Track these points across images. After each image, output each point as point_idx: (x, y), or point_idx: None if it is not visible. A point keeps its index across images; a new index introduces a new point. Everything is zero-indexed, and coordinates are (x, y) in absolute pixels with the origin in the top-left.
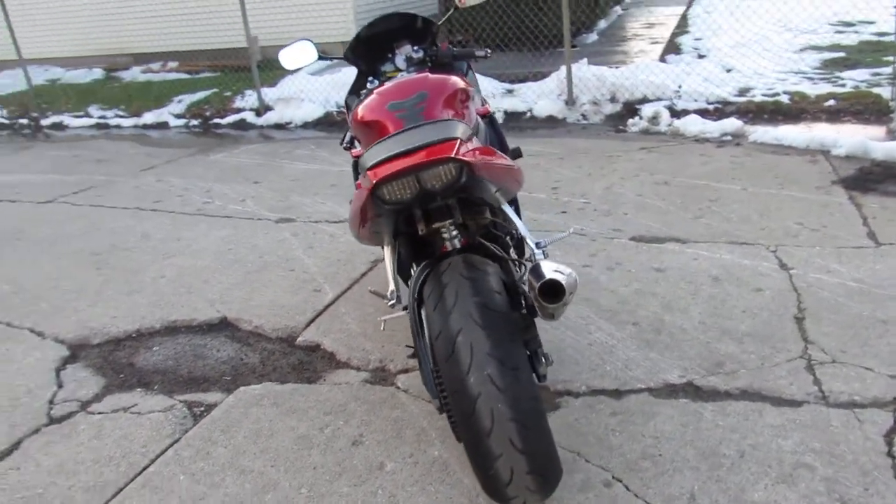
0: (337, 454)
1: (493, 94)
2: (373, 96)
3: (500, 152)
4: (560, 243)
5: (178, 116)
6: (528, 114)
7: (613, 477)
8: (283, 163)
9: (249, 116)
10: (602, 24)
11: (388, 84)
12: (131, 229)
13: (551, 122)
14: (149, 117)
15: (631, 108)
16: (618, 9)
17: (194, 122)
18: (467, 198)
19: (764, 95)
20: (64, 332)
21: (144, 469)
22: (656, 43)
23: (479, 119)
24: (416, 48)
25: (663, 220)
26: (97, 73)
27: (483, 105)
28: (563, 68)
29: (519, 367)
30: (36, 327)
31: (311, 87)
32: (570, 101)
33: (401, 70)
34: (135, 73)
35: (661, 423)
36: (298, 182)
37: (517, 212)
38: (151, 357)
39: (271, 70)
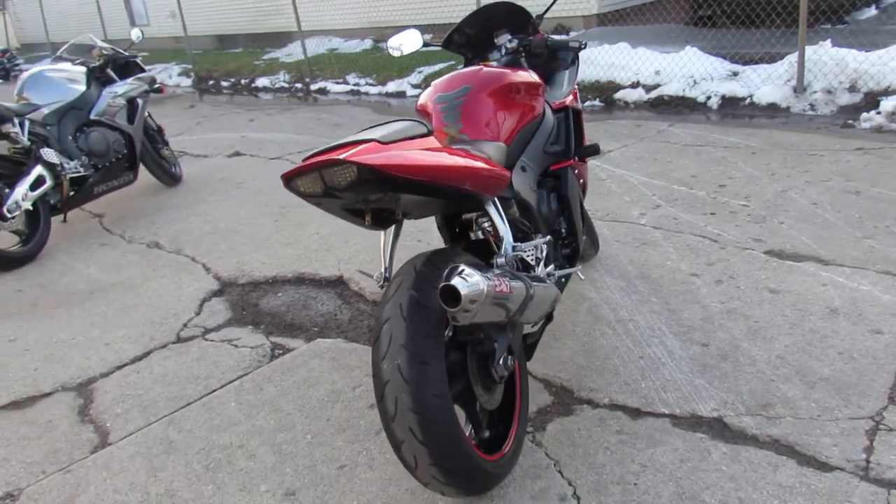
0: (352, 412)
1: (712, 78)
2: (430, 88)
3: (472, 153)
4: (683, 246)
5: (415, 86)
6: (748, 100)
7: (574, 494)
8: None
9: None
10: None
11: (445, 76)
12: None
13: (772, 111)
14: (391, 86)
15: (872, 100)
16: None
17: None
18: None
19: None
20: (223, 270)
21: (212, 392)
22: None
23: (550, 112)
24: (510, 38)
25: (820, 235)
26: (367, 43)
27: (565, 97)
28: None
29: (429, 362)
30: (207, 263)
31: None
32: (800, 89)
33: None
34: None
35: (660, 453)
36: None
37: (576, 213)
38: (273, 301)
39: None
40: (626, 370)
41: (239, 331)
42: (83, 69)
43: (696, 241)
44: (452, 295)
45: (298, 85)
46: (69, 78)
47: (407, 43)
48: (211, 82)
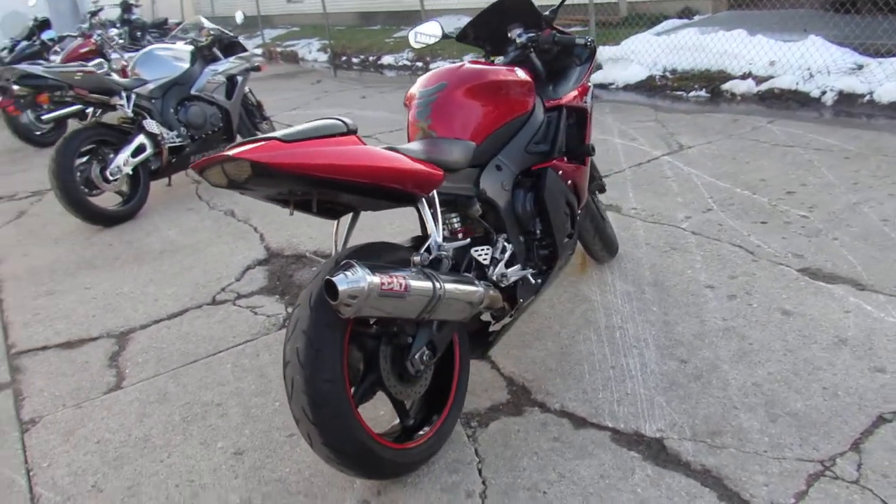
0: None
1: (829, 71)
2: (418, 80)
3: (399, 152)
4: (713, 254)
5: None
6: (868, 97)
7: (483, 493)
8: None
9: None
10: None
11: (430, 71)
12: None
13: (892, 111)
14: None
15: None
16: None
17: None
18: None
19: None
20: (274, 241)
21: (217, 353)
22: None
23: (541, 110)
24: (520, 33)
25: (871, 257)
26: None
27: (565, 96)
28: None
29: (323, 349)
30: (265, 234)
31: (644, 48)
32: None
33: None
34: None
35: (584, 465)
36: None
37: (555, 215)
38: (306, 274)
39: (631, 27)
40: (591, 378)
41: (265, 299)
42: (189, 48)
43: (730, 250)
44: (334, 289)
45: (419, 64)
46: (175, 56)
47: (427, 33)
48: (344, 58)
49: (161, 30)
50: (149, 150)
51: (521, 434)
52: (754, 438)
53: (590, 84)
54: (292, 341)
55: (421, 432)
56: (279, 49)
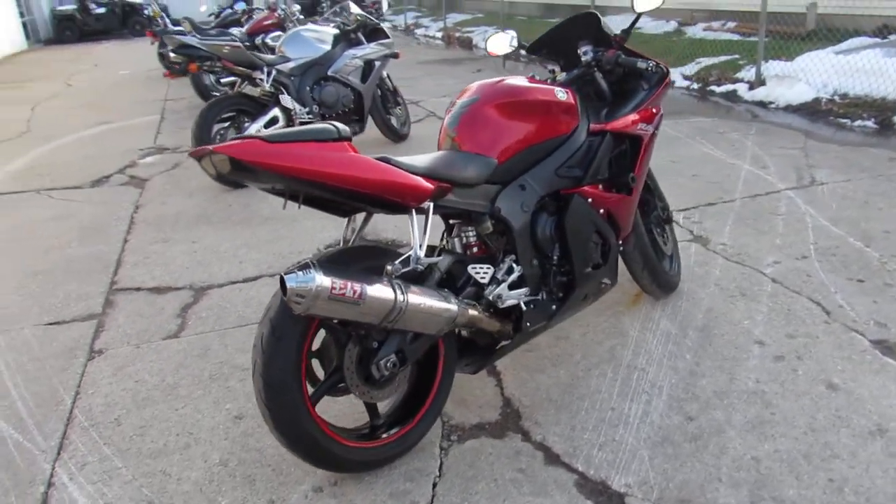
0: None
1: None
2: (462, 91)
3: (389, 162)
4: (782, 308)
5: (686, 78)
6: None
7: None
8: (691, 143)
9: (742, 89)
10: None
11: (474, 83)
12: None
13: None
14: None
15: None
16: None
17: (696, 85)
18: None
19: None
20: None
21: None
22: None
23: (583, 133)
24: (587, 51)
25: None
26: (671, 25)
27: (614, 121)
28: None
29: (283, 338)
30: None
31: (817, 66)
32: None
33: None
34: (696, 30)
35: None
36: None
37: (577, 243)
38: None
39: (814, 41)
40: (585, 416)
41: None
42: (333, 31)
43: (805, 306)
44: (285, 286)
45: None
46: (318, 38)
47: (505, 43)
48: None
49: (340, 7)
50: (281, 123)
51: (491, 458)
52: None
53: (656, 110)
54: (261, 326)
55: (385, 435)
56: (457, 34)
